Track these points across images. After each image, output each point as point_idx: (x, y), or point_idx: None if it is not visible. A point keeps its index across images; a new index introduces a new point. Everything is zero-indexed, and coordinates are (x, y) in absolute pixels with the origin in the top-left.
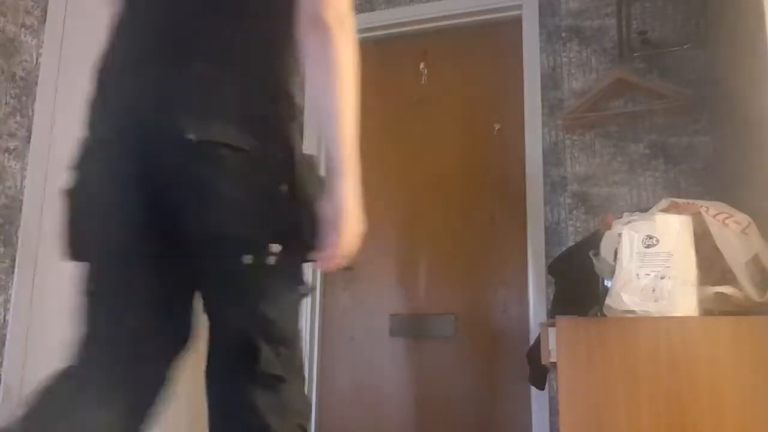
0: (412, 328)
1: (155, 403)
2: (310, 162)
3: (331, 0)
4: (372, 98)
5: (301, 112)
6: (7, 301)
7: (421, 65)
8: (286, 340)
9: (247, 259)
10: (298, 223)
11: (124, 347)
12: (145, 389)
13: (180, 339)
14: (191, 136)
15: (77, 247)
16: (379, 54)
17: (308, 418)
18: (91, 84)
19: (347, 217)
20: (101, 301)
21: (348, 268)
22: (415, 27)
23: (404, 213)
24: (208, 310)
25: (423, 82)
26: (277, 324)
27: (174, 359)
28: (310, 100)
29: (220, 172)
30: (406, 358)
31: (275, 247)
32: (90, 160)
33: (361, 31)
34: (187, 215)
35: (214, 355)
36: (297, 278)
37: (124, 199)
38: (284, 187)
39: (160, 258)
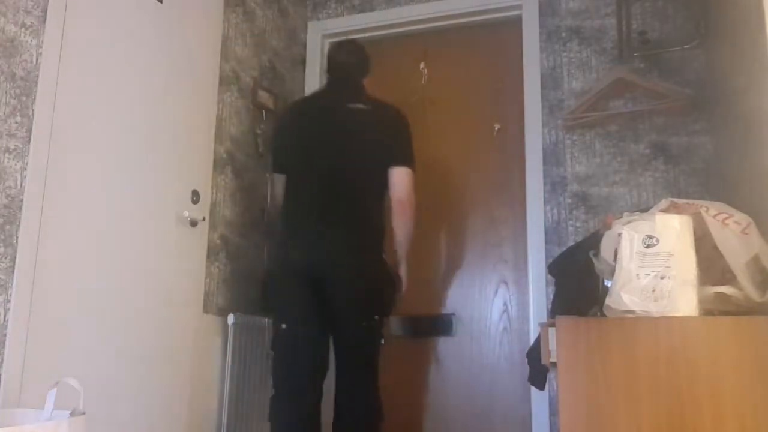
0: (412, 327)
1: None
2: (390, 268)
3: (407, 189)
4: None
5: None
6: (7, 301)
7: (422, 65)
8: (374, 361)
9: (365, 322)
10: (386, 305)
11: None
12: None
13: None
14: (343, 268)
15: (277, 304)
16: (380, 54)
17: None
18: (284, 227)
19: (404, 281)
20: (289, 336)
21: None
22: (415, 27)
23: None
24: (338, 347)
25: (423, 82)
26: (372, 353)
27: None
28: (395, 231)
29: (357, 283)
30: (406, 358)
31: (376, 317)
32: (287, 270)
33: (361, 31)
34: (339, 301)
35: (341, 369)
36: (383, 331)
37: (303, 287)
38: (381, 287)
39: (316, 315)
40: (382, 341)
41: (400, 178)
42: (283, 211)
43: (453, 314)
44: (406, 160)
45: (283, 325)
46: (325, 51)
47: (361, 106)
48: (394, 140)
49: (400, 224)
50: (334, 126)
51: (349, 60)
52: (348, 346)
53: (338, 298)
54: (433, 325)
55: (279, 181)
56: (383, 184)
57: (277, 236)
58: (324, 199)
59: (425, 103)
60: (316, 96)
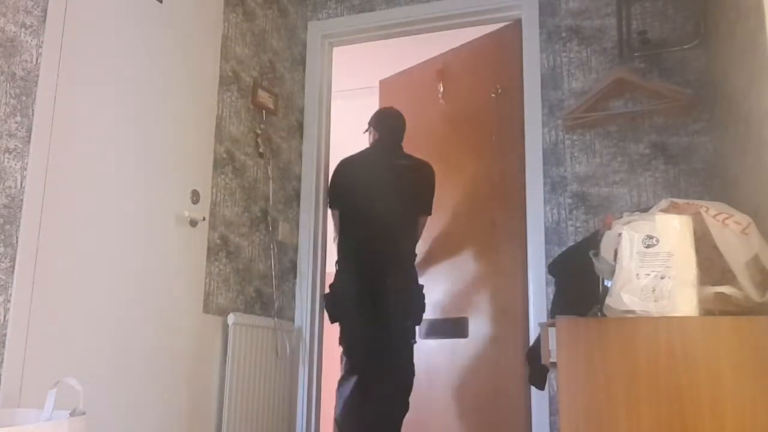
0: (434, 330)
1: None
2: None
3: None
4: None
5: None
6: (7, 301)
7: (440, 85)
8: (411, 351)
9: (406, 323)
10: (417, 312)
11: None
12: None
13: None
14: (394, 283)
15: (338, 316)
16: (405, 81)
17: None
18: (348, 253)
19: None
20: (354, 342)
21: None
22: (415, 27)
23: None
24: (387, 346)
25: (440, 100)
26: (410, 347)
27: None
28: None
29: (403, 293)
30: (428, 358)
31: (409, 322)
32: (347, 289)
33: (361, 30)
34: (392, 306)
35: (386, 364)
36: (414, 333)
37: (362, 300)
38: (417, 297)
39: (371, 322)
40: (414, 340)
41: (421, 224)
42: (348, 240)
43: (466, 317)
44: (429, 210)
45: (350, 331)
46: (326, 51)
47: (404, 162)
48: (427, 192)
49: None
50: (385, 176)
51: (397, 124)
52: (394, 341)
53: (391, 304)
54: (452, 327)
55: (336, 216)
56: (416, 220)
57: (342, 260)
58: (379, 231)
59: (440, 117)
60: (369, 152)
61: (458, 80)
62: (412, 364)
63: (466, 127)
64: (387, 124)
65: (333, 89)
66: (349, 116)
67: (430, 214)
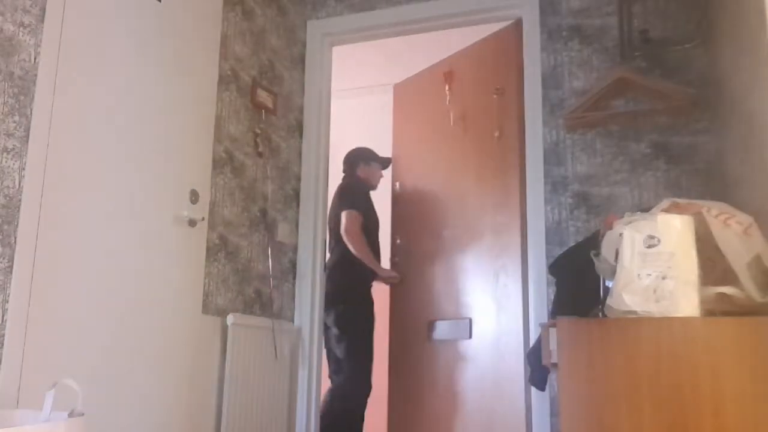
0: (440, 332)
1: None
2: (363, 291)
3: (345, 225)
4: (412, 124)
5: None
6: (5, 301)
7: (446, 87)
8: (350, 362)
9: (344, 334)
10: (357, 320)
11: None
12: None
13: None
14: (329, 295)
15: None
16: (417, 84)
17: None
18: None
19: (384, 272)
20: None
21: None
22: (415, 26)
23: (415, 221)
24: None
25: (447, 102)
26: (346, 355)
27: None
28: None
29: (336, 304)
30: (431, 358)
31: (343, 331)
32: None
33: (361, 29)
34: (334, 320)
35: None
36: (356, 340)
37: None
38: (348, 306)
39: (330, 336)
40: (346, 343)
41: (343, 219)
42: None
43: (469, 318)
44: (344, 206)
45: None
46: (325, 50)
47: (336, 189)
48: (340, 199)
49: (351, 248)
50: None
51: (346, 162)
52: (334, 348)
53: (330, 318)
54: (455, 329)
55: None
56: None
57: None
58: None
59: (449, 119)
60: None
61: (463, 82)
62: (353, 361)
63: (469, 128)
64: (344, 163)
65: (333, 88)
66: (351, 116)
67: (346, 209)
